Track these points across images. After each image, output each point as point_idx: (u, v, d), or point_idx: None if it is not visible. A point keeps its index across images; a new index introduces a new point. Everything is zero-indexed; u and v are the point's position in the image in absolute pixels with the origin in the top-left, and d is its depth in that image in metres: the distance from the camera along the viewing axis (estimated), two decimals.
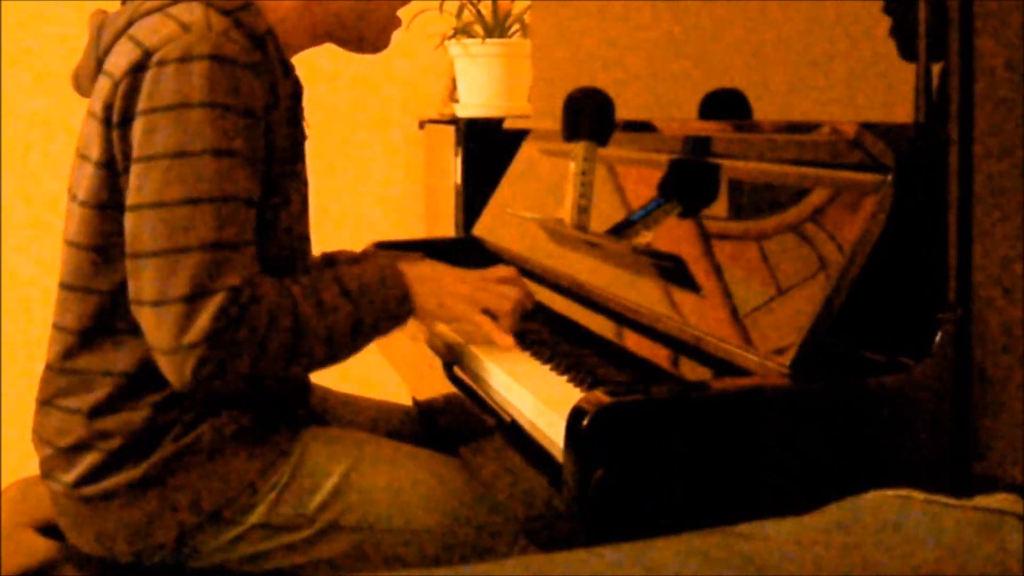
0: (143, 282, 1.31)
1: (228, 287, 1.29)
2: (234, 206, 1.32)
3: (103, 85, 1.38)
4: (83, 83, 1.48)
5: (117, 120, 1.34)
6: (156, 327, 1.30)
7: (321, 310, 1.36)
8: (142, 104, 1.32)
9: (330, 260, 1.76)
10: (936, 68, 1.11)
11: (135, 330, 1.37)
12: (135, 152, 1.33)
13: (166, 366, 1.31)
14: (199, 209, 1.30)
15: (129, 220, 1.33)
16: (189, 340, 1.28)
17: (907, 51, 1.15)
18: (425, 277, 1.47)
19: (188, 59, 1.31)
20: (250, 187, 1.35)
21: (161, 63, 1.32)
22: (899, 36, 1.17)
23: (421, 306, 1.46)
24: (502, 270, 1.57)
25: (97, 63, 1.43)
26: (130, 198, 1.33)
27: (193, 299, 1.28)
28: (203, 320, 1.28)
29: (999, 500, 0.89)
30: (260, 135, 1.36)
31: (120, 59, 1.37)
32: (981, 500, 0.89)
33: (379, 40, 1.58)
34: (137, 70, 1.33)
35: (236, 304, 1.29)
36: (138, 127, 1.33)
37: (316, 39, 1.56)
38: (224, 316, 1.28)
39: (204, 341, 1.28)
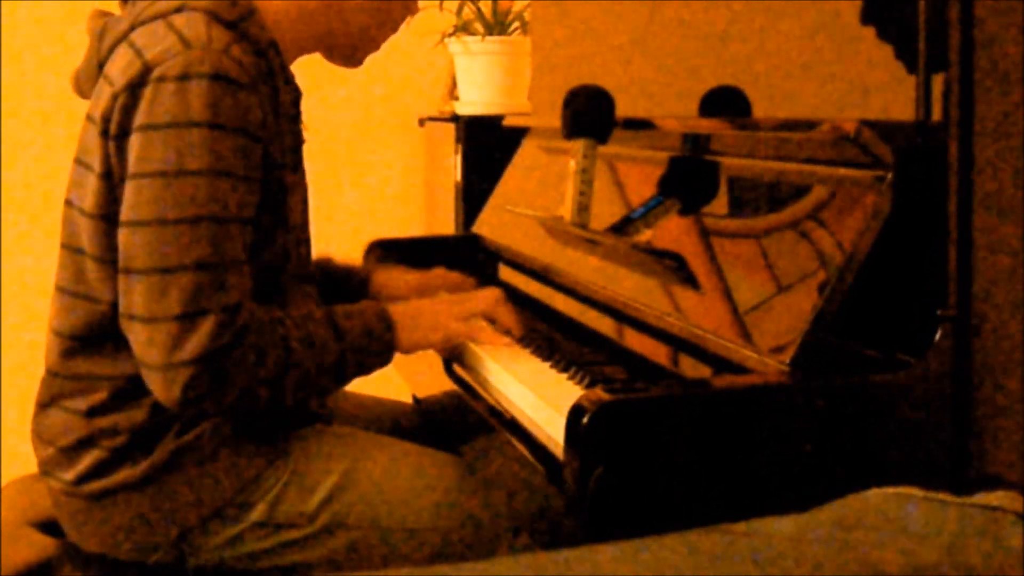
0: (135, 298, 1.31)
1: (221, 307, 1.30)
2: (229, 226, 1.32)
3: (103, 92, 1.38)
4: (83, 86, 1.48)
5: (114, 132, 1.34)
6: (147, 344, 1.30)
7: (311, 347, 1.37)
8: (140, 120, 1.32)
9: (326, 267, 1.76)
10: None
11: None
12: (131, 168, 1.32)
13: (155, 383, 1.31)
14: (194, 228, 1.30)
15: (123, 235, 1.33)
16: (181, 358, 1.28)
17: (914, 68, 1.15)
18: (407, 312, 1.48)
19: (188, 78, 1.31)
20: (245, 207, 1.35)
21: (161, 79, 1.31)
22: (903, 56, 1.17)
23: (407, 340, 1.47)
24: (481, 290, 1.61)
25: (98, 66, 1.43)
26: (125, 214, 1.33)
27: (186, 318, 1.28)
28: (196, 339, 1.28)
29: (998, 497, 0.89)
30: (257, 154, 1.36)
31: (120, 66, 1.36)
32: (981, 498, 0.89)
33: (360, 55, 1.60)
34: (137, 85, 1.33)
35: (229, 326, 1.30)
36: (135, 143, 1.32)
37: (314, 46, 1.56)
38: (217, 337, 1.29)
39: (196, 360, 1.28)
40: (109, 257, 1.37)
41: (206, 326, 1.29)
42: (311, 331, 1.38)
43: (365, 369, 1.43)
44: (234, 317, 1.30)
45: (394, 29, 1.61)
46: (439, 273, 1.80)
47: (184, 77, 1.31)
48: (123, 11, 1.45)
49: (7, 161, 2.85)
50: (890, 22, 1.19)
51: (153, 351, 1.30)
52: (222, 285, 1.30)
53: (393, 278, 1.79)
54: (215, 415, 1.38)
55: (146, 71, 1.32)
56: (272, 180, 1.41)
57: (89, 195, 1.38)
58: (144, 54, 1.34)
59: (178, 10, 1.37)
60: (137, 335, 1.31)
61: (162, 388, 1.30)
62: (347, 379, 1.43)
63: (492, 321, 1.56)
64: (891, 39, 1.19)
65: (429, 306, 1.53)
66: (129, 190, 1.32)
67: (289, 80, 1.49)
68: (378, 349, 1.43)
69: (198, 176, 1.30)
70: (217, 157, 1.31)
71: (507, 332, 1.54)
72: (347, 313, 1.43)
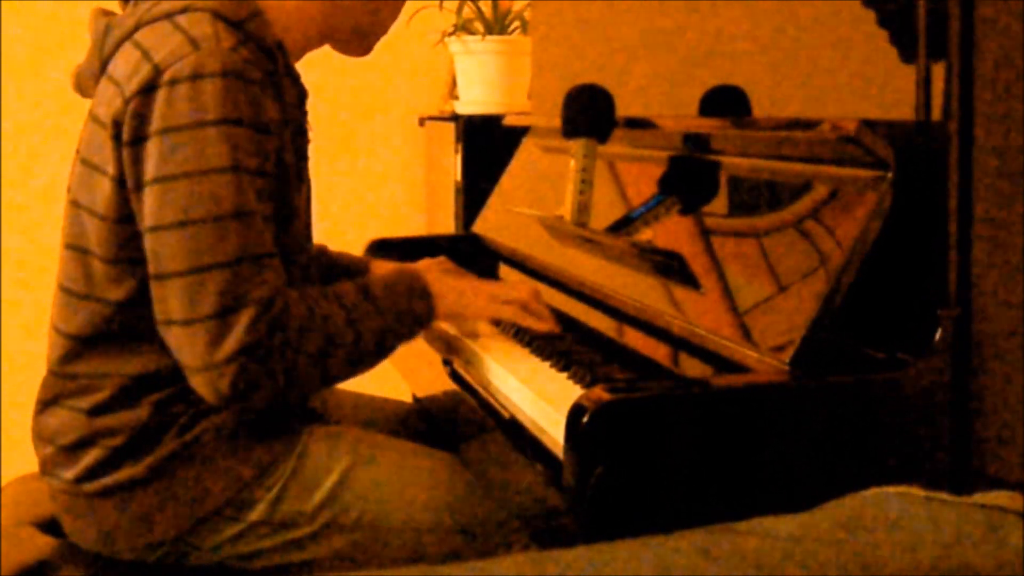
0: (170, 302, 1.31)
1: (256, 300, 1.30)
2: (254, 220, 1.32)
3: (110, 94, 1.37)
4: (85, 84, 1.48)
5: (128, 139, 1.33)
6: (188, 346, 1.30)
7: (350, 322, 1.37)
8: (156, 124, 1.32)
9: (324, 257, 1.76)
10: (936, 66, 1.11)
11: (138, 336, 1.37)
12: (151, 173, 1.32)
13: (200, 384, 1.31)
14: (221, 226, 1.30)
15: (150, 241, 1.32)
16: (223, 356, 1.28)
17: (908, 56, 1.15)
18: (444, 280, 1.50)
19: (200, 77, 1.31)
20: (266, 200, 1.36)
21: (173, 82, 1.31)
22: (899, 42, 1.17)
23: (444, 307, 1.47)
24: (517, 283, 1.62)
25: (101, 65, 1.43)
26: (149, 219, 1.32)
27: (223, 315, 1.29)
28: (235, 335, 1.28)
29: (999, 497, 0.89)
30: (271, 149, 1.37)
31: (127, 68, 1.36)
32: (981, 497, 0.89)
33: (371, 43, 1.60)
34: (148, 89, 1.32)
35: (266, 317, 1.30)
36: (152, 148, 1.32)
37: (322, 40, 1.56)
38: (255, 330, 1.29)
39: (237, 356, 1.28)
40: (120, 258, 1.37)
41: (243, 321, 1.29)
42: (348, 305, 1.38)
43: (406, 336, 1.44)
44: (269, 308, 1.30)
45: (398, 13, 1.61)
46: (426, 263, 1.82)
47: (196, 77, 1.31)
48: (125, 10, 1.45)
49: (7, 161, 2.85)
50: (890, 7, 1.19)
51: (194, 353, 1.30)
52: (254, 279, 1.31)
53: (382, 265, 1.81)
54: (267, 405, 1.37)
55: (157, 74, 1.32)
56: (280, 177, 1.41)
57: (101, 198, 1.37)
58: (152, 56, 1.34)
59: (183, 10, 1.37)
60: (177, 339, 1.31)
61: (208, 388, 1.31)
62: (391, 346, 1.43)
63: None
64: (889, 25, 1.19)
65: (471, 283, 1.54)
66: (152, 195, 1.32)
67: (295, 79, 1.49)
68: (417, 314, 1.44)
69: (220, 173, 1.30)
70: (237, 153, 1.31)
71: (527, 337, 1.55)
72: (381, 282, 1.44)
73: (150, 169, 1.32)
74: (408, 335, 1.45)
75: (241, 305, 1.29)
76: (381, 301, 1.41)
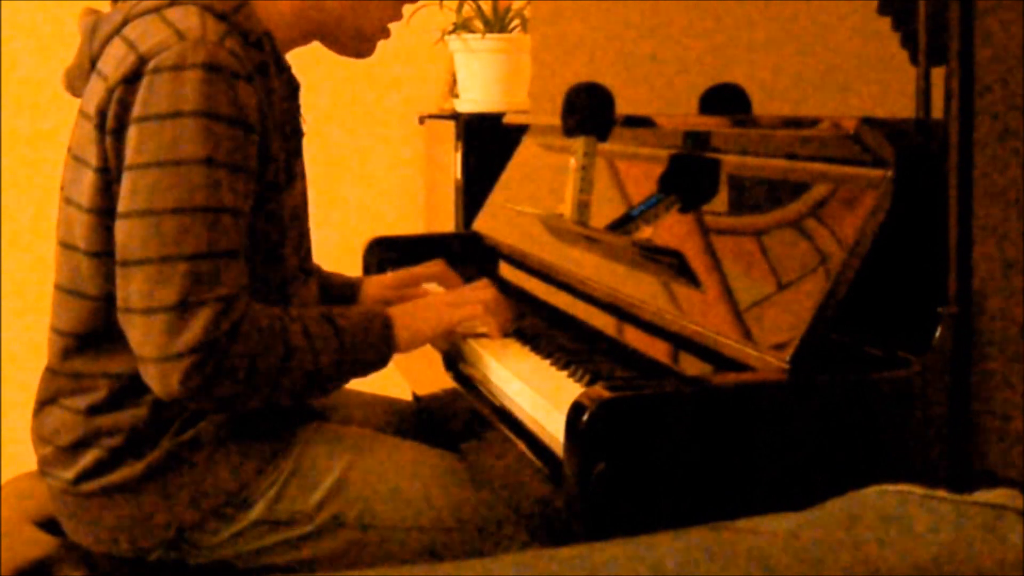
0: (132, 290, 1.30)
1: (218, 297, 1.29)
2: (225, 217, 1.32)
3: (96, 87, 1.38)
4: (76, 83, 1.47)
5: (111, 127, 1.34)
6: (144, 335, 1.29)
7: (309, 344, 1.36)
8: (136, 112, 1.32)
9: (321, 279, 1.76)
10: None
11: None
12: (127, 160, 1.32)
13: (152, 375, 1.30)
14: (190, 219, 1.29)
15: (120, 228, 1.32)
16: (178, 349, 1.27)
17: (918, 60, 1.15)
18: (407, 310, 1.49)
19: (182, 68, 1.30)
20: (240, 197, 1.35)
21: (156, 71, 1.31)
22: (911, 44, 1.17)
23: (405, 337, 1.46)
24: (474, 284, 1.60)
25: (90, 62, 1.43)
26: (121, 205, 1.32)
27: (183, 308, 1.28)
28: (193, 330, 1.27)
29: (999, 495, 0.89)
30: (253, 145, 1.36)
31: (113, 61, 1.36)
32: (981, 495, 0.89)
33: (364, 46, 1.57)
34: (132, 78, 1.32)
35: (226, 316, 1.29)
36: (131, 135, 1.32)
37: (307, 39, 1.55)
38: (214, 327, 1.28)
39: (193, 351, 1.27)
40: (103, 252, 1.36)
41: (202, 316, 1.28)
42: (309, 328, 1.37)
43: (362, 369, 1.42)
44: (230, 308, 1.30)
45: (386, 19, 1.57)
46: (412, 270, 1.80)
47: (178, 67, 1.31)
48: (114, 7, 1.45)
49: (7, 160, 2.85)
50: (903, 11, 1.19)
51: (150, 343, 1.29)
52: (218, 276, 1.30)
53: (372, 281, 1.80)
54: (212, 410, 1.38)
55: (141, 64, 1.32)
56: (267, 172, 1.40)
57: (85, 190, 1.38)
58: (138, 47, 1.34)
59: (171, 4, 1.37)
60: (134, 327, 1.31)
61: (159, 380, 1.30)
62: (344, 379, 1.42)
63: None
64: (901, 27, 1.19)
65: (424, 302, 1.53)
66: (125, 182, 1.32)
67: (284, 70, 1.49)
68: (376, 347, 1.43)
69: (193, 165, 1.30)
70: (212, 146, 1.31)
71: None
72: (345, 312, 1.43)
73: (127, 156, 1.32)
74: (365, 367, 1.42)
75: (203, 300, 1.28)
76: (342, 329, 1.39)
